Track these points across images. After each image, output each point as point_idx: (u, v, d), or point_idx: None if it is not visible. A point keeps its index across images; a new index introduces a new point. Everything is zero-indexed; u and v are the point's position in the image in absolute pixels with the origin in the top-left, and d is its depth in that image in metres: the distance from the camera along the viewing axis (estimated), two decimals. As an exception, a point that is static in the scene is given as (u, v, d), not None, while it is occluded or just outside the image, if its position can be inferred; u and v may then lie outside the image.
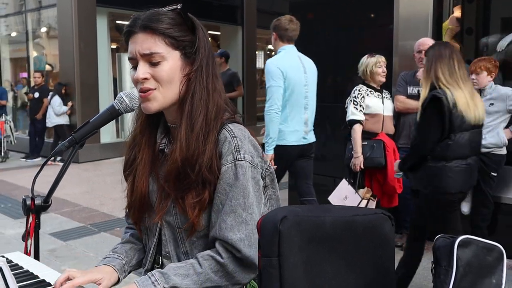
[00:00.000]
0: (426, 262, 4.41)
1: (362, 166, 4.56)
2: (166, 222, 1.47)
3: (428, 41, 4.59)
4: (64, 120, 10.37)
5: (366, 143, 4.60)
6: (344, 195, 4.53)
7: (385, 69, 4.65)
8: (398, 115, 4.80)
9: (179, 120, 1.41)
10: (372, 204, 4.58)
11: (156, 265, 1.52)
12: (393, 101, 4.79)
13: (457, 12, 5.53)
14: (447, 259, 1.32)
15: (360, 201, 4.47)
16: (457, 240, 1.32)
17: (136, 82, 1.40)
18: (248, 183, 1.37)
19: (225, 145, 1.38)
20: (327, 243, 1.20)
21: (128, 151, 1.57)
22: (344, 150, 4.82)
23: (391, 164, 4.48)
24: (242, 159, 1.37)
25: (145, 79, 1.37)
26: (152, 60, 1.37)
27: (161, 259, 1.50)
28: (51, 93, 10.41)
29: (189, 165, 1.36)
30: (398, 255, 4.34)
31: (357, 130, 4.58)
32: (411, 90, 4.71)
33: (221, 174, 1.37)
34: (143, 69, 1.37)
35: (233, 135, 1.39)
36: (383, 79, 4.68)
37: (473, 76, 4.31)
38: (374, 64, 4.65)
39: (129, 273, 1.60)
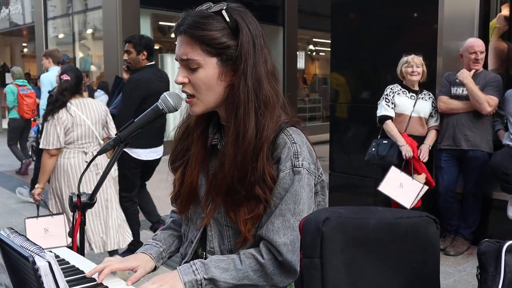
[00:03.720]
0: (470, 267, 4.31)
1: (411, 154, 4.47)
2: (214, 219, 1.46)
3: (480, 42, 4.49)
4: None
5: (387, 141, 4.64)
6: (398, 183, 4.43)
7: (416, 69, 4.60)
8: (442, 116, 4.70)
9: (229, 122, 1.39)
10: (423, 191, 4.45)
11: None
12: (435, 102, 4.71)
13: (505, 10, 5.37)
14: (494, 264, 1.28)
15: (423, 187, 4.38)
16: (505, 245, 1.28)
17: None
18: (303, 189, 1.36)
19: (284, 150, 1.36)
20: (370, 245, 1.18)
21: (180, 141, 1.56)
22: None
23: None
24: (300, 166, 1.36)
25: (183, 83, 1.39)
26: (189, 66, 1.37)
27: (205, 254, 1.49)
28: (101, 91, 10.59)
29: (240, 183, 1.35)
30: (442, 259, 4.25)
31: (390, 124, 4.63)
32: (455, 90, 4.61)
33: (278, 179, 1.36)
34: (182, 74, 1.38)
35: (293, 141, 1.37)
36: (414, 79, 4.63)
37: None
38: (404, 64, 4.66)
39: (168, 258, 1.62)
